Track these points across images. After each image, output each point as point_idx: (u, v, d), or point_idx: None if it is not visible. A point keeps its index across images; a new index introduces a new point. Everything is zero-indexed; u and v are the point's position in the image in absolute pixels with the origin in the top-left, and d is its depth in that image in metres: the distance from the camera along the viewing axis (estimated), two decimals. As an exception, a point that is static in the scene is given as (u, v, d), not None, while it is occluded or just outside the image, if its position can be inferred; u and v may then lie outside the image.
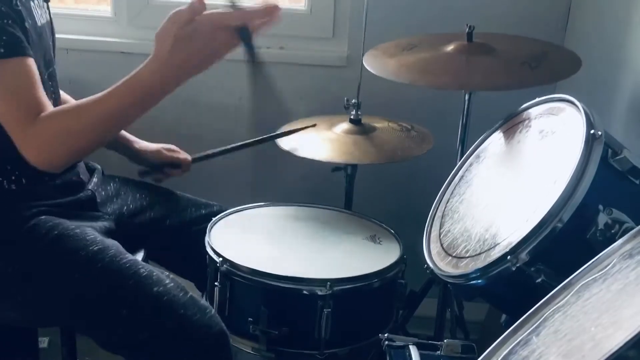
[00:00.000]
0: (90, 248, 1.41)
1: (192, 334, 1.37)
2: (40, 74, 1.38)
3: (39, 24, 1.44)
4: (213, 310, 1.43)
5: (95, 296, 1.40)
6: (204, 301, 1.45)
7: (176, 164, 1.84)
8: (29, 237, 1.41)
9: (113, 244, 1.44)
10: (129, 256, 1.43)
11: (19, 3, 1.34)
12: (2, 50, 1.28)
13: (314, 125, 1.89)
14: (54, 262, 1.41)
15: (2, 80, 1.30)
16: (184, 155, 1.86)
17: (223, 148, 1.87)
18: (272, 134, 1.87)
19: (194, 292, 1.74)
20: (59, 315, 1.46)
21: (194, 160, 1.87)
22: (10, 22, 1.30)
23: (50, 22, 1.53)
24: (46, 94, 1.37)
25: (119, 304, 1.38)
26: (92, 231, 1.46)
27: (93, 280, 1.39)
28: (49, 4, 1.53)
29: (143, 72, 1.28)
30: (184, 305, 1.38)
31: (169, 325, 1.37)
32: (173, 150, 1.85)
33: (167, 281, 1.40)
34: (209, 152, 1.88)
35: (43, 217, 1.43)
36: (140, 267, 1.40)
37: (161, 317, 1.37)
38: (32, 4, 1.43)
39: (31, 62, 1.33)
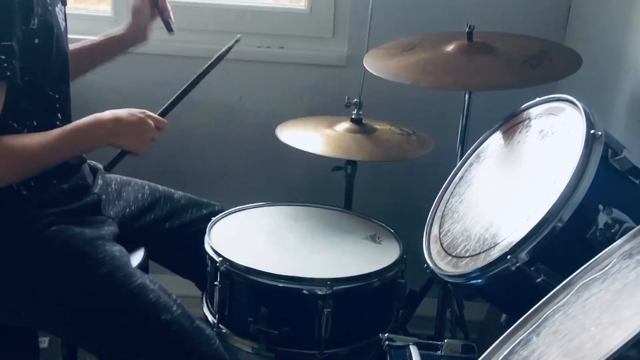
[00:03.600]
0: (100, 270, 1.42)
1: None
2: (51, 82, 1.42)
3: (62, 29, 1.46)
4: (217, 342, 1.46)
5: (101, 322, 1.43)
6: (209, 330, 1.48)
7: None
8: (39, 252, 1.43)
9: (122, 264, 1.46)
10: (138, 279, 1.44)
11: (36, 21, 1.35)
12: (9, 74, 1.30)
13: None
14: (62, 281, 1.42)
15: None
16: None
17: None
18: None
19: (194, 292, 1.75)
20: (62, 331, 1.50)
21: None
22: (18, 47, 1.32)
23: (66, 24, 1.54)
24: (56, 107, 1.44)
25: (126, 330, 1.42)
26: (102, 247, 1.47)
27: (100, 305, 1.42)
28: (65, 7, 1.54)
29: (96, 125, 1.46)
30: (191, 336, 1.42)
31: (175, 355, 1.41)
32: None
33: (175, 308, 1.43)
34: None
35: (54, 228, 1.44)
36: (148, 292, 1.43)
37: (167, 347, 1.41)
38: (56, 8, 1.44)
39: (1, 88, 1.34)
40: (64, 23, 1.49)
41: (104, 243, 1.48)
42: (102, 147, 1.49)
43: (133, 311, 1.42)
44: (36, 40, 1.37)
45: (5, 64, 1.29)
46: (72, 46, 1.64)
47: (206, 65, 1.65)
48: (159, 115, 1.56)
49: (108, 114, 1.47)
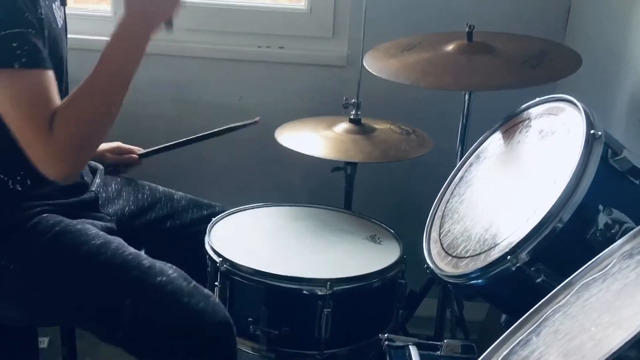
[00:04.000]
0: (93, 242, 1.41)
1: (197, 322, 1.37)
2: (58, 83, 1.38)
3: (59, 26, 1.45)
4: (217, 299, 1.43)
5: (98, 289, 1.40)
6: (208, 290, 1.44)
7: (126, 163, 1.83)
8: (30, 235, 1.42)
9: (115, 239, 1.45)
10: (132, 249, 1.43)
11: (42, 12, 1.33)
12: (24, 60, 1.26)
13: (256, 122, 1.84)
14: (56, 257, 1.41)
15: (21, 92, 1.28)
16: (131, 151, 1.84)
17: (171, 143, 1.83)
18: (217, 130, 1.83)
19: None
20: (61, 311, 1.46)
21: (142, 156, 1.85)
22: (34, 32, 1.29)
23: (65, 24, 1.53)
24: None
25: (123, 295, 1.38)
26: (93, 227, 1.47)
27: (96, 273, 1.40)
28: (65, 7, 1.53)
29: (120, 29, 1.34)
30: (189, 294, 1.38)
31: (174, 314, 1.37)
32: (118, 149, 1.82)
33: (171, 271, 1.41)
34: (157, 147, 1.85)
35: (45, 215, 1.44)
36: (143, 258, 1.41)
37: (166, 306, 1.38)
38: (53, 6, 1.43)
39: (51, 75, 1.31)
40: (61, 22, 1.48)
41: (94, 224, 1.48)
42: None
43: (127, 276, 1.38)
44: (46, 32, 1.34)
45: (19, 51, 1.25)
46: None
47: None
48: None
49: (122, 18, 1.35)
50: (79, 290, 1.41)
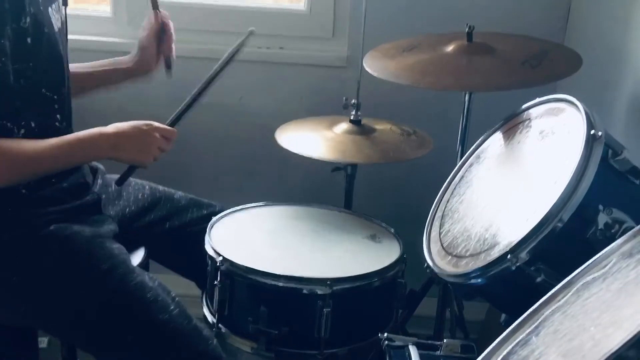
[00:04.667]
0: (99, 268, 1.43)
1: None
2: (45, 82, 1.41)
3: (55, 29, 1.45)
4: (215, 341, 1.46)
5: (98, 320, 1.43)
6: (207, 330, 1.48)
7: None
8: (39, 250, 1.43)
9: (121, 261, 1.46)
10: (137, 276, 1.45)
11: (28, 20, 1.35)
12: None
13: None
14: (61, 277, 1.42)
15: None
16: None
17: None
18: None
19: (194, 291, 1.75)
20: (61, 330, 1.50)
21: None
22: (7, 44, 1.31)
23: (65, 25, 1.53)
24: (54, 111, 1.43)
25: (124, 329, 1.42)
26: (101, 245, 1.48)
27: (99, 302, 1.43)
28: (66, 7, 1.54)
29: (98, 137, 1.46)
30: (188, 335, 1.42)
31: (172, 355, 1.42)
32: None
33: (172, 307, 1.43)
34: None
35: (53, 227, 1.44)
36: (146, 291, 1.43)
37: (165, 346, 1.42)
38: (50, 8, 1.44)
39: None
40: (59, 24, 1.48)
41: (103, 241, 1.48)
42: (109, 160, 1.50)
43: (130, 309, 1.42)
44: (28, 40, 1.36)
45: None
46: (77, 66, 1.65)
47: (218, 65, 1.65)
48: (168, 124, 1.55)
49: (111, 127, 1.48)
50: (79, 316, 1.43)
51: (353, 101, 1.92)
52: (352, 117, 1.92)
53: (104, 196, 1.61)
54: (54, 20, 1.45)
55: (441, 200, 1.55)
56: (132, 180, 1.78)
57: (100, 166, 1.69)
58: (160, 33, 1.71)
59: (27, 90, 1.39)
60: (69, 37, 1.56)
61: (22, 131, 1.40)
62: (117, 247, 1.49)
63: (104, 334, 1.44)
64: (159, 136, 1.50)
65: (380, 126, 1.95)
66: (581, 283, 0.98)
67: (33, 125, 1.41)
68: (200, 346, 1.42)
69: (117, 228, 1.59)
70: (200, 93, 1.63)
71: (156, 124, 1.51)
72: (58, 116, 1.48)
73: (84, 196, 1.55)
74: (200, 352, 1.42)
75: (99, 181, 1.63)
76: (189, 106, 1.60)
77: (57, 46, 1.46)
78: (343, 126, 1.92)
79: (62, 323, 1.46)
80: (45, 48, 1.41)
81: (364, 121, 1.92)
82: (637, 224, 1.09)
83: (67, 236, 1.44)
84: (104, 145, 1.46)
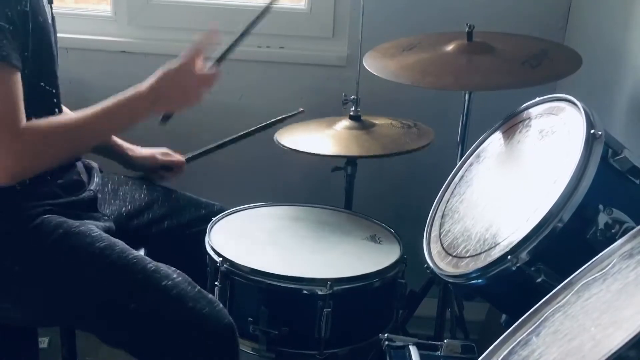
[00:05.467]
0: (97, 245, 1.41)
1: (202, 327, 1.37)
2: (43, 75, 1.39)
3: (49, 20, 1.44)
4: (221, 304, 1.43)
5: (102, 291, 1.40)
6: (212, 296, 1.45)
7: (170, 167, 1.84)
8: (34, 236, 1.41)
9: (118, 241, 1.45)
10: (135, 252, 1.43)
11: (28, 3, 1.33)
12: (4, 54, 1.27)
13: (302, 111, 1.87)
14: (60, 259, 1.41)
15: None
16: (177, 157, 1.86)
17: (216, 144, 1.86)
18: (263, 124, 1.85)
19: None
20: (65, 312, 1.46)
21: (188, 160, 1.86)
22: (11, 28, 1.29)
23: (53, 21, 1.53)
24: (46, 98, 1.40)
25: (127, 298, 1.39)
26: (96, 228, 1.47)
27: (100, 276, 1.40)
28: (52, 5, 1.53)
29: (134, 97, 1.42)
30: (193, 299, 1.39)
31: (178, 319, 1.38)
32: (167, 154, 1.85)
33: (175, 275, 1.41)
34: (203, 149, 1.87)
35: (47, 215, 1.43)
36: (147, 262, 1.41)
37: (170, 311, 1.38)
38: (41, 1, 1.42)
39: (19, 77, 1.31)
40: (50, 18, 1.46)
41: (95, 224, 1.48)
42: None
43: (132, 279, 1.39)
44: (30, 25, 1.34)
45: None
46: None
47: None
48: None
49: (145, 83, 1.44)
50: (83, 293, 1.41)
51: (352, 97, 1.92)
52: (351, 113, 1.92)
53: (99, 195, 1.61)
54: (47, 10, 1.44)
55: (441, 200, 1.55)
56: (130, 179, 1.78)
57: (94, 164, 1.68)
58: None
59: (29, 82, 1.37)
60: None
61: None
62: (113, 237, 1.48)
63: (107, 307, 1.40)
64: (196, 71, 1.46)
65: (380, 121, 1.95)
66: (581, 283, 0.98)
67: (34, 120, 1.41)
68: (205, 309, 1.38)
69: (113, 226, 1.58)
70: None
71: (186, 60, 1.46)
72: (56, 110, 1.47)
73: (80, 193, 1.54)
74: (205, 314, 1.38)
75: (95, 179, 1.62)
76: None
77: (50, 37, 1.45)
78: (343, 123, 1.92)
79: (63, 307, 1.43)
80: (41, 37, 1.39)
81: (364, 117, 1.92)
82: (637, 224, 1.09)
83: (60, 222, 1.43)
84: (143, 105, 1.43)
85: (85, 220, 1.49)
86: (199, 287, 1.42)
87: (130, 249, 1.44)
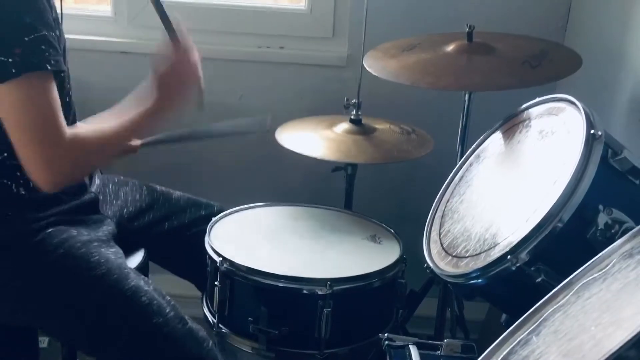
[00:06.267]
0: (94, 272, 1.42)
1: None
2: (66, 81, 1.42)
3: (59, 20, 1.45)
4: (210, 343, 1.46)
5: (95, 322, 1.42)
6: (202, 333, 1.47)
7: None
8: (35, 252, 1.42)
9: (116, 266, 1.45)
10: (132, 280, 1.43)
11: (54, 11, 1.35)
12: (53, 62, 1.28)
13: (267, 130, 1.81)
14: (56, 281, 1.42)
15: (46, 92, 1.29)
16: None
17: (169, 135, 1.77)
18: (224, 129, 1.81)
19: (194, 292, 1.75)
20: (57, 330, 1.50)
21: (143, 144, 1.81)
22: (53, 34, 1.30)
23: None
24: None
25: (118, 333, 1.41)
26: (97, 249, 1.46)
27: (95, 306, 1.42)
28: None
29: (152, 108, 1.45)
30: (183, 338, 1.41)
31: (166, 357, 1.41)
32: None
33: (168, 310, 1.42)
34: (155, 138, 1.81)
35: (50, 230, 1.44)
36: (142, 294, 1.42)
37: (159, 349, 1.41)
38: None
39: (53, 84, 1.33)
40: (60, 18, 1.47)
41: (100, 245, 1.48)
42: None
43: (125, 313, 1.41)
44: (57, 32, 1.35)
45: (47, 54, 1.27)
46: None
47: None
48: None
49: (149, 99, 1.45)
50: (76, 319, 1.43)
51: (354, 101, 1.92)
52: (352, 117, 1.92)
53: (101, 197, 1.61)
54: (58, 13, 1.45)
55: (441, 200, 1.55)
56: (130, 180, 1.78)
57: None
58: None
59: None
60: (69, 36, 1.55)
61: None
62: (113, 251, 1.49)
63: (97, 336, 1.43)
64: (179, 60, 1.49)
65: (380, 125, 1.95)
66: (581, 283, 0.98)
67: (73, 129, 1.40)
68: (194, 349, 1.41)
69: (115, 229, 1.58)
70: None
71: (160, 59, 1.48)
72: (71, 113, 1.48)
73: (82, 195, 1.54)
74: (193, 355, 1.41)
75: (96, 181, 1.62)
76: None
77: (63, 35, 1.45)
78: (343, 126, 1.92)
79: (58, 326, 1.46)
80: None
81: (364, 121, 1.92)
82: (637, 224, 1.09)
83: (63, 240, 1.43)
84: (153, 120, 1.47)
85: (88, 230, 1.49)
86: (190, 325, 1.44)
87: (128, 274, 1.44)
